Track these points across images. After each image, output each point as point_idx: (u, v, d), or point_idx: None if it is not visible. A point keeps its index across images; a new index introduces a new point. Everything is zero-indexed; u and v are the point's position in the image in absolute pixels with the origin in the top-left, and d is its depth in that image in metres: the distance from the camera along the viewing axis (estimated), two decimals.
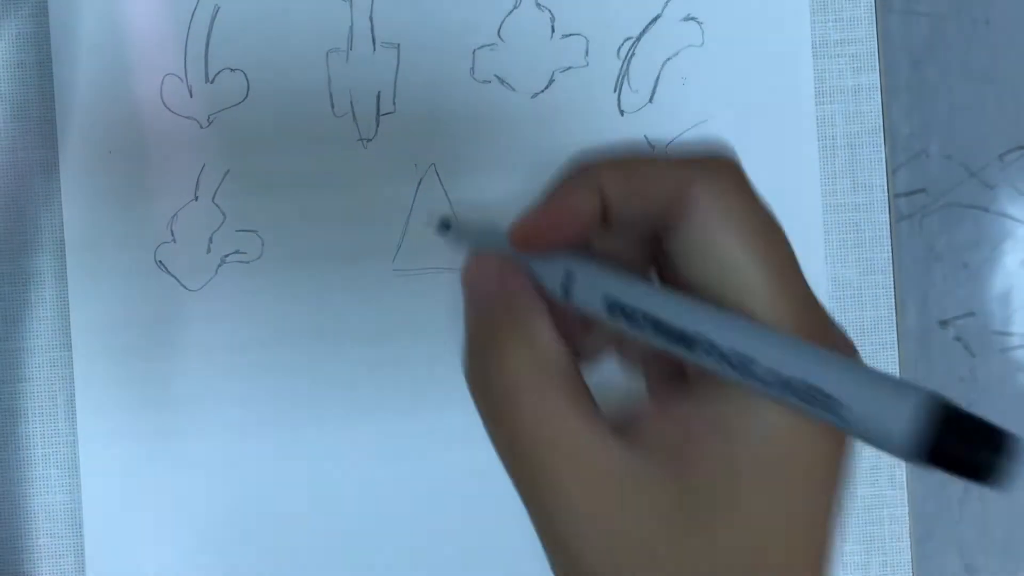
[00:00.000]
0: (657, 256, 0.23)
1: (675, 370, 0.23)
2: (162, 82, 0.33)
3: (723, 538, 0.20)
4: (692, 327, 0.20)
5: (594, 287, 0.22)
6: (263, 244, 0.34)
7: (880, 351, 0.34)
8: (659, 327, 0.20)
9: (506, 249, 0.24)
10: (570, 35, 0.34)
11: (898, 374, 0.34)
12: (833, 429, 0.19)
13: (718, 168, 0.21)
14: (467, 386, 0.23)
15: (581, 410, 0.21)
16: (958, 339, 0.38)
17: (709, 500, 0.20)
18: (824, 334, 0.21)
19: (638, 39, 0.34)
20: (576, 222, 0.22)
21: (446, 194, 0.34)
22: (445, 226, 0.26)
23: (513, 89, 0.34)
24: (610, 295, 0.21)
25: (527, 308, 0.23)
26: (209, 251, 0.34)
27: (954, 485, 0.38)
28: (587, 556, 0.21)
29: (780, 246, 0.21)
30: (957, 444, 0.17)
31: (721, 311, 0.20)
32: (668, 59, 0.34)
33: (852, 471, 0.22)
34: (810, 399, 0.18)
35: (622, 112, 0.34)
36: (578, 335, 0.25)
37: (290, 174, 0.34)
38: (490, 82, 0.34)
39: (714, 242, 0.21)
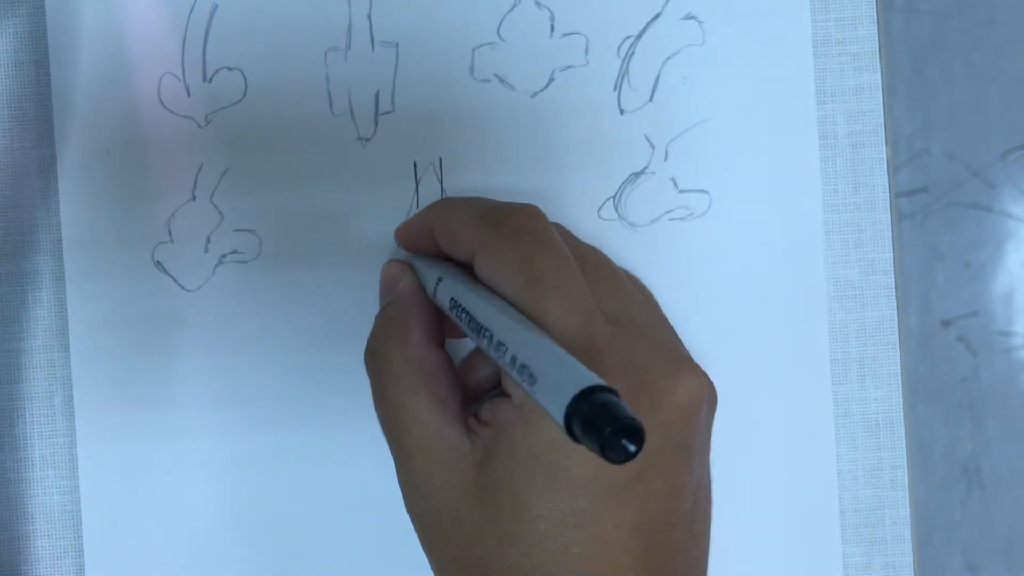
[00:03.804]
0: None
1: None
2: (160, 81, 0.33)
3: (508, 525, 0.26)
4: (484, 321, 0.26)
5: (447, 289, 0.29)
6: (261, 244, 0.34)
7: (882, 351, 0.34)
8: (471, 320, 0.27)
9: (408, 258, 0.32)
10: (570, 34, 0.34)
11: (900, 375, 0.34)
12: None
13: (504, 221, 0.28)
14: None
15: (433, 403, 0.28)
16: (960, 339, 0.37)
17: (499, 490, 0.26)
18: (640, 331, 0.28)
19: (638, 38, 0.34)
20: (423, 244, 0.31)
21: (445, 193, 0.34)
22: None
23: (512, 88, 0.34)
24: (452, 295, 0.28)
25: (407, 313, 0.30)
26: (207, 251, 0.34)
27: (956, 486, 0.37)
28: (418, 508, 0.28)
29: (550, 273, 0.27)
30: (591, 426, 0.21)
31: (506, 313, 0.26)
32: (668, 58, 0.34)
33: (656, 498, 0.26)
34: (524, 376, 0.23)
35: (622, 111, 0.34)
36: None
37: (288, 174, 0.34)
38: (489, 81, 0.34)
39: (493, 272, 0.28)
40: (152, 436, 0.33)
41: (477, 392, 0.31)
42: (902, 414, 0.34)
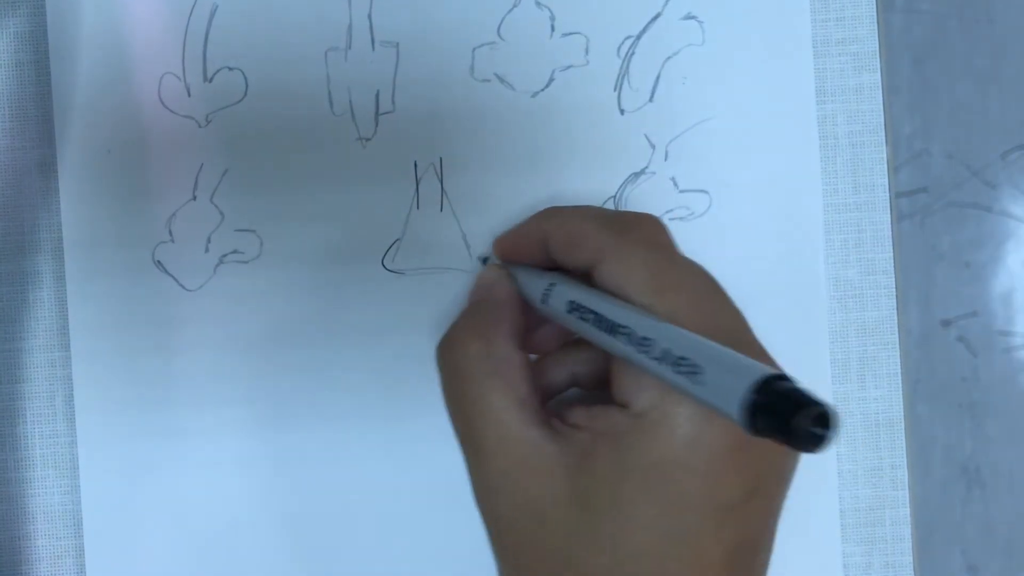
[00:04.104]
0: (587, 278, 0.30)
1: (605, 387, 0.28)
2: (160, 81, 0.33)
3: (604, 532, 0.25)
4: (616, 319, 0.26)
5: (562, 294, 0.28)
6: (261, 244, 0.34)
7: (882, 351, 0.34)
8: (600, 320, 0.26)
9: (509, 266, 0.32)
10: (570, 34, 0.34)
11: (900, 375, 0.34)
12: (728, 460, 0.25)
13: (631, 228, 0.28)
14: (436, 364, 0.30)
15: (513, 402, 0.27)
16: (960, 339, 0.37)
17: (599, 496, 0.25)
18: (743, 348, 0.26)
19: (638, 38, 0.34)
20: (526, 253, 0.31)
21: (445, 194, 0.34)
22: (484, 261, 0.34)
23: (513, 88, 0.34)
24: (571, 298, 0.28)
25: (496, 312, 0.29)
26: (207, 251, 0.34)
27: (956, 486, 0.37)
28: (496, 510, 0.27)
29: (678, 284, 0.27)
30: (776, 415, 0.20)
31: (637, 311, 0.26)
32: (668, 58, 0.34)
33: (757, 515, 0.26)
34: (683, 369, 0.23)
35: (622, 111, 0.34)
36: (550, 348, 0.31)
37: (289, 173, 0.34)
38: (490, 81, 0.34)
39: (621, 278, 0.27)
40: (153, 436, 0.33)
41: (545, 396, 0.31)
42: (902, 414, 0.34)
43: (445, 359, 0.29)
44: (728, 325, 0.27)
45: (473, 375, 0.28)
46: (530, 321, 0.30)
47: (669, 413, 0.25)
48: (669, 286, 0.26)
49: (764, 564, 0.28)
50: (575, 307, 0.27)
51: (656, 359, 0.24)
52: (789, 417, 0.19)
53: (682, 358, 0.23)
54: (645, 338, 0.24)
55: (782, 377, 0.20)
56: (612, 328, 0.26)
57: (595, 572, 0.25)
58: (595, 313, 0.26)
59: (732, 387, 0.21)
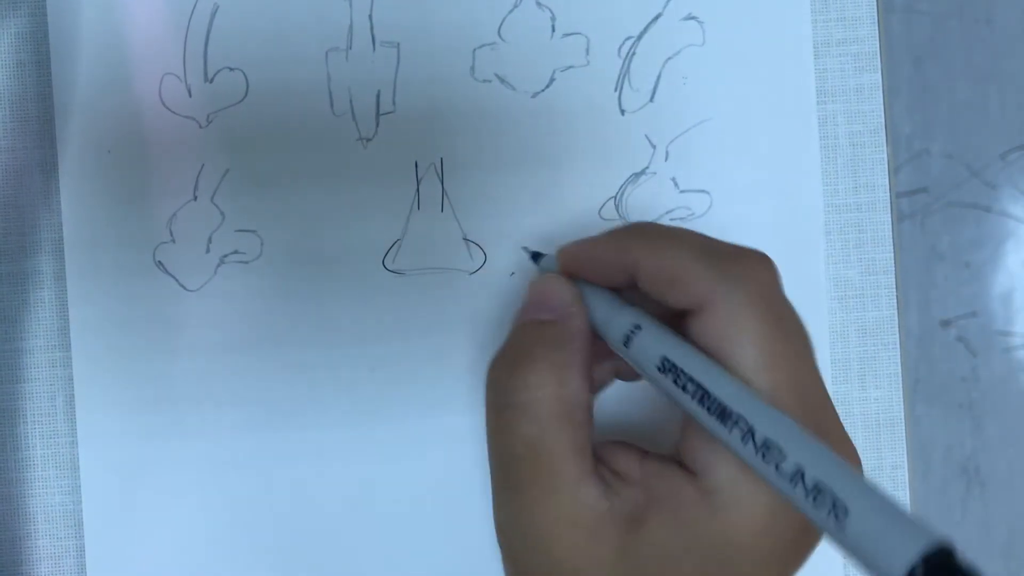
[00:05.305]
0: (676, 316, 0.25)
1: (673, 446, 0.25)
2: (161, 81, 0.33)
3: None
4: (736, 406, 0.22)
5: (654, 344, 0.24)
6: (262, 244, 0.34)
7: (882, 351, 0.34)
8: (705, 397, 0.22)
9: (576, 282, 0.27)
10: (571, 34, 0.34)
11: (900, 375, 0.34)
12: (792, 549, 0.22)
13: (743, 274, 0.24)
14: (486, 379, 0.26)
15: (573, 451, 0.24)
16: (960, 339, 0.37)
17: (648, 563, 0.23)
18: (827, 435, 0.23)
19: (639, 38, 0.34)
20: (599, 273, 0.26)
21: (446, 194, 0.34)
22: (535, 257, 0.30)
23: (513, 88, 0.34)
24: (667, 355, 0.23)
25: (573, 344, 0.25)
26: (208, 251, 0.34)
27: (956, 486, 0.37)
28: (531, 560, 0.24)
29: (787, 357, 0.23)
30: None
31: (762, 401, 0.22)
32: (669, 58, 0.34)
33: None
34: (820, 500, 0.19)
35: (623, 111, 0.34)
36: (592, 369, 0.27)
37: (289, 174, 0.34)
38: (490, 81, 0.34)
39: (726, 340, 0.23)
40: (153, 436, 0.33)
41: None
42: (902, 414, 0.35)
43: (506, 385, 0.25)
44: (815, 404, 0.24)
45: (539, 416, 0.24)
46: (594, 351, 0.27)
47: (746, 497, 0.22)
48: (779, 360, 0.23)
49: None
50: (670, 367, 0.23)
51: (778, 473, 0.20)
52: None
53: (820, 489, 0.19)
54: (770, 442, 0.21)
55: (949, 550, 0.18)
56: (723, 414, 0.22)
57: None
58: (699, 386, 0.22)
59: (887, 543, 0.18)
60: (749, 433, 0.21)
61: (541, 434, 0.24)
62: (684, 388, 0.23)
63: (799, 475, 0.20)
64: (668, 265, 0.24)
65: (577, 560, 0.23)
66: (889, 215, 0.34)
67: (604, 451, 0.25)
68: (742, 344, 0.23)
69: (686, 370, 0.23)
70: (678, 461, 0.24)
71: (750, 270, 0.24)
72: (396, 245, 0.34)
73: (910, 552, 0.18)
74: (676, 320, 0.25)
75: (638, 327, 0.25)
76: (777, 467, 0.20)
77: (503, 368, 0.25)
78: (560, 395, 0.24)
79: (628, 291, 0.26)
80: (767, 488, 0.22)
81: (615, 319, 0.25)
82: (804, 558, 0.24)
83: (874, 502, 0.19)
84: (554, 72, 0.34)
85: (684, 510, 0.23)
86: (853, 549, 0.19)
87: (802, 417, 0.22)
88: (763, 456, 0.21)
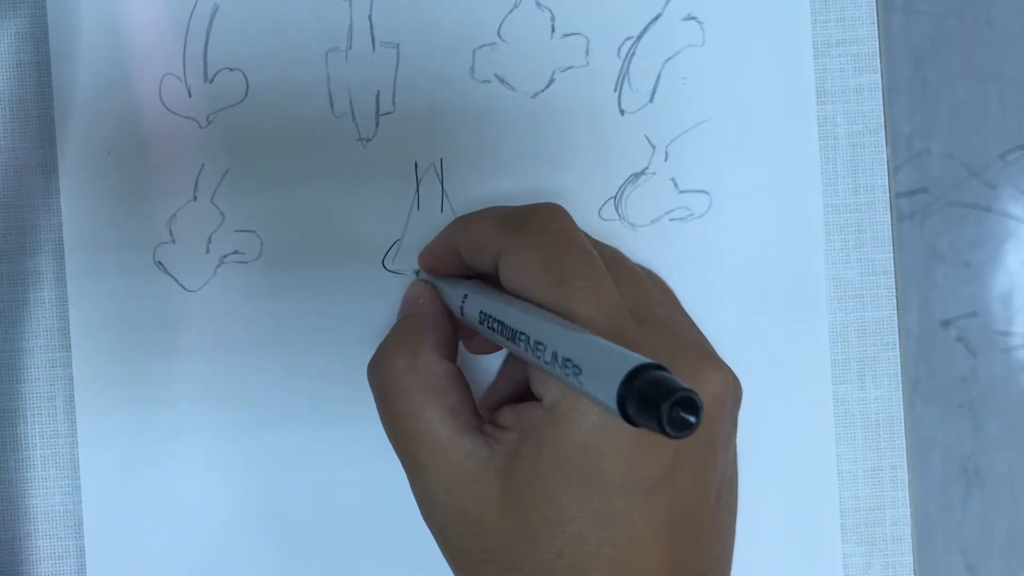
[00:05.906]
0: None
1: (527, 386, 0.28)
2: (161, 82, 0.33)
3: (539, 528, 0.26)
4: (515, 325, 0.26)
5: (474, 303, 0.29)
6: (262, 244, 0.34)
7: (882, 351, 0.34)
8: (503, 328, 0.26)
9: (433, 278, 0.32)
10: (570, 34, 0.34)
11: (900, 375, 0.34)
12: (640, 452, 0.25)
13: (526, 224, 0.28)
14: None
15: (443, 412, 0.28)
16: (960, 339, 0.37)
17: (528, 494, 0.26)
18: (652, 324, 0.27)
19: (639, 38, 0.34)
20: (445, 264, 0.31)
21: (446, 194, 0.34)
22: (417, 273, 0.33)
23: (513, 89, 0.34)
24: (482, 308, 0.28)
25: (420, 327, 0.30)
26: (208, 251, 0.34)
27: (956, 486, 0.37)
28: (438, 519, 0.28)
29: (575, 277, 0.26)
30: (647, 404, 0.20)
31: (537, 315, 0.26)
32: (669, 59, 0.34)
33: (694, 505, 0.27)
34: (568, 371, 0.23)
35: (622, 112, 0.34)
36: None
37: (289, 174, 0.34)
38: (490, 82, 0.34)
39: (517, 277, 0.27)
40: (153, 436, 0.33)
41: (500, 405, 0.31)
42: (902, 414, 0.35)
43: (374, 378, 0.29)
44: (635, 301, 0.28)
45: (401, 390, 0.28)
46: (465, 328, 0.31)
47: (576, 402, 0.25)
48: (566, 276, 0.26)
49: (713, 535, 0.28)
50: (485, 317, 0.27)
51: (548, 363, 0.24)
52: (658, 405, 0.20)
53: (567, 360, 0.23)
54: (538, 343, 0.25)
55: (653, 366, 0.21)
56: (513, 336, 0.26)
57: (538, 567, 0.26)
58: (499, 322, 0.27)
59: (608, 381, 0.21)
60: (532, 343, 0.25)
61: (408, 405, 0.28)
62: (496, 330, 0.27)
63: (555, 357, 0.24)
64: (473, 238, 0.29)
65: (472, 508, 0.27)
66: (889, 215, 0.35)
67: (497, 413, 0.28)
68: (528, 276, 0.27)
69: (490, 312, 0.27)
70: (537, 398, 0.27)
71: (535, 220, 0.28)
72: (396, 245, 0.34)
73: (616, 381, 0.21)
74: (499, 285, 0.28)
75: (466, 296, 0.29)
76: (543, 358, 0.24)
77: (373, 365, 0.29)
78: (414, 366, 0.28)
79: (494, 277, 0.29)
80: None
81: (453, 294, 0.30)
82: (658, 450, 0.25)
83: (599, 354, 0.22)
84: (554, 72, 0.34)
85: (537, 433, 0.26)
86: (594, 397, 0.22)
87: (602, 320, 0.26)
88: (538, 355, 0.25)
